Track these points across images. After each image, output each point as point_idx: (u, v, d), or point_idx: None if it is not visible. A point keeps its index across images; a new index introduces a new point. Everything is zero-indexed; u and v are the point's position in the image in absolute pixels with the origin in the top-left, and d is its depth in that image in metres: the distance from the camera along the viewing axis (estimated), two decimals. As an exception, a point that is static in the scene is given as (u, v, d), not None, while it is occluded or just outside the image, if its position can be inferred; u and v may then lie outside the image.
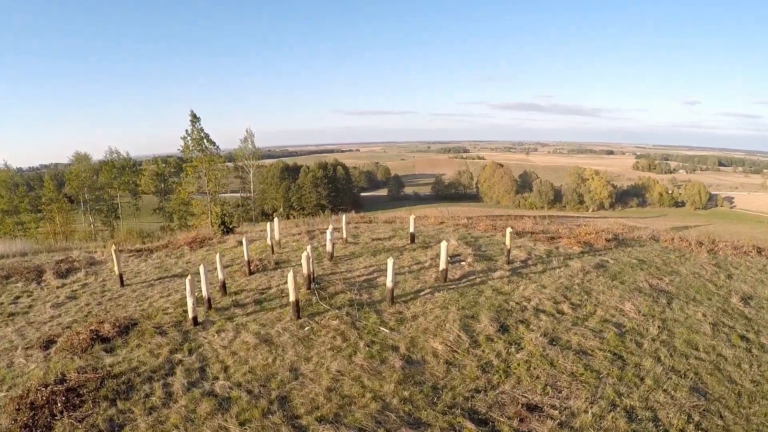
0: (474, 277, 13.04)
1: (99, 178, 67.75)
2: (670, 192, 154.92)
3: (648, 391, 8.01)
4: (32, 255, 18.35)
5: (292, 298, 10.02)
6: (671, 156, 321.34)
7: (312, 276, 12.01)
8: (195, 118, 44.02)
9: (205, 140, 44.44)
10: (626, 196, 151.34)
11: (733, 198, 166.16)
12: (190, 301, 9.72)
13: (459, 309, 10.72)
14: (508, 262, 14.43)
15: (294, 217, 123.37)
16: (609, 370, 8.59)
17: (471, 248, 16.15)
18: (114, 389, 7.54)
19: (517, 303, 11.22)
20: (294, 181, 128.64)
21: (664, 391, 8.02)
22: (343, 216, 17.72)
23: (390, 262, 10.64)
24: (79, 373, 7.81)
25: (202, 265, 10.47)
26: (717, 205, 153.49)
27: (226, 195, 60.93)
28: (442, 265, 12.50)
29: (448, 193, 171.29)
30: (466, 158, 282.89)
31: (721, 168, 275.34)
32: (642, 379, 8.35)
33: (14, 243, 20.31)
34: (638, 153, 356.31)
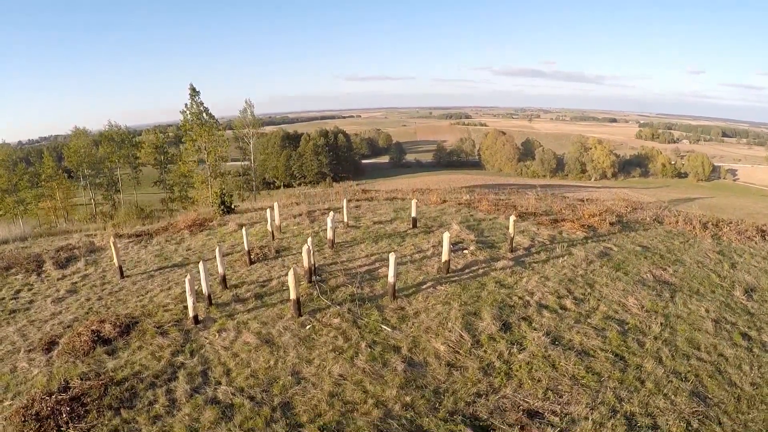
0: (477, 267, 12.95)
1: (98, 150, 66.99)
2: (673, 163, 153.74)
3: (648, 395, 8.03)
4: (32, 240, 18.26)
5: (293, 296, 9.96)
6: (675, 125, 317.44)
7: (313, 269, 11.93)
8: (194, 92, 43.10)
9: (204, 113, 43.65)
10: (629, 166, 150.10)
11: (736, 170, 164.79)
12: (190, 301, 9.67)
13: (461, 305, 10.67)
14: (511, 250, 14.31)
15: (295, 185, 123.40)
16: (610, 372, 8.61)
17: (473, 234, 16.00)
18: (117, 397, 7.58)
19: (519, 297, 11.17)
20: (295, 149, 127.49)
21: (665, 395, 8.05)
22: (344, 200, 17.49)
23: (392, 258, 10.51)
24: (82, 379, 7.84)
25: (201, 263, 10.36)
26: (720, 177, 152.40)
27: (227, 164, 60.36)
28: (445, 257, 12.39)
29: (449, 160, 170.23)
30: (468, 125, 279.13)
31: (725, 139, 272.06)
32: (643, 383, 8.36)
33: (14, 227, 20.16)
34: (642, 121, 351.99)
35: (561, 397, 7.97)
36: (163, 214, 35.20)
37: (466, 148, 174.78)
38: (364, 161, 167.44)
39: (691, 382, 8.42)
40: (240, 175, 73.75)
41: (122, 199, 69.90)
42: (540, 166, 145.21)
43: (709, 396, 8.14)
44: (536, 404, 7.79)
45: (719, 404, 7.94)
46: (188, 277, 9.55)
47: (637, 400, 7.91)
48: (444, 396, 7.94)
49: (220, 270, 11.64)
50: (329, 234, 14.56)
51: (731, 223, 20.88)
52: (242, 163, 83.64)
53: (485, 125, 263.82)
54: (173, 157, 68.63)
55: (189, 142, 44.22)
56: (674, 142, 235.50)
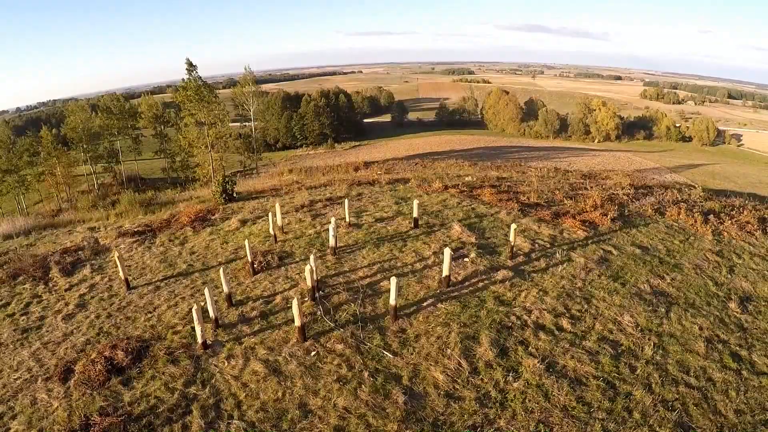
0: (476, 279, 13.20)
1: (96, 120, 66.14)
2: (678, 126, 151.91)
3: (635, 427, 8.44)
4: (36, 234, 18.49)
5: (297, 323, 10.28)
6: (680, 85, 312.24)
7: (316, 286, 12.20)
8: (191, 67, 42.13)
9: (203, 88, 42.81)
10: (633, 128, 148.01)
11: (741, 136, 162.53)
12: (198, 329, 10.01)
13: (460, 327, 10.99)
14: (512, 257, 14.52)
15: (297, 147, 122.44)
16: (600, 402, 9.01)
17: (474, 235, 16.15)
18: (136, 435, 8.05)
19: (517, 317, 11.47)
20: (296, 110, 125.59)
21: (650, 426, 8.45)
22: (346, 200, 17.51)
23: (393, 282, 10.73)
24: (101, 415, 8.28)
25: (207, 289, 10.61)
26: (724, 143, 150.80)
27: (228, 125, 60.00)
28: (445, 272, 12.60)
29: (452, 119, 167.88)
30: (470, 81, 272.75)
31: (731, 101, 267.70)
32: (630, 413, 8.77)
33: (18, 220, 20.35)
34: (647, 79, 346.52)
35: (551, 430, 8.40)
36: (165, 192, 35.26)
37: (468, 107, 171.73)
38: (366, 120, 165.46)
39: (677, 412, 8.82)
40: (240, 138, 73.53)
41: (123, 169, 69.75)
42: (543, 127, 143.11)
43: (693, 426, 8.55)
44: (528, 439, 8.25)
45: (702, 436, 8.39)
46: (195, 306, 9.83)
47: (623, 433, 8.34)
48: (442, 429, 8.39)
49: (226, 289, 11.92)
50: (331, 241, 14.75)
51: (733, 210, 20.96)
52: (243, 124, 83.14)
53: (488, 82, 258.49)
54: (174, 122, 67.75)
55: (188, 117, 43.66)
56: (679, 102, 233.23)
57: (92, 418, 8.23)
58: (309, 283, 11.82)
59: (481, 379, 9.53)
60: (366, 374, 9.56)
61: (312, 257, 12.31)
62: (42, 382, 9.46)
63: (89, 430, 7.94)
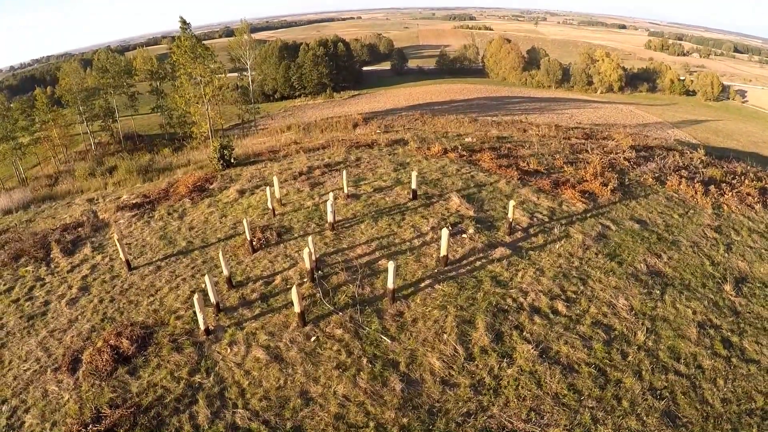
0: (474, 257, 13.28)
1: (90, 80, 64.12)
2: (682, 79, 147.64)
3: (622, 416, 8.80)
4: (35, 208, 18.37)
5: (297, 309, 10.45)
6: (686, 36, 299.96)
7: (314, 266, 12.29)
8: (185, 24, 40.28)
9: (198, 47, 41.04)
10: (636, 80, 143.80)
11: (746, 92, 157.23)
12: (200, 316, 10.19)
13: (457, 310, 11.17)
14: (510, 233, 14.54)
15: (295, 97, 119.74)
16: (591, 390, 9.32)
17: (473, 208, 16.08)
18: (147, 426, 8.39)
19: (513, 299, 11.63)
20: (294, 60, 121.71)
21: (637, 416, 8.81)
22: (344, 171, 17.26)
23: (391, 266, 10.79)
24: (111, 407, 8.60)
25: (207, 276, 10.67)
26: (729, 98, 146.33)
27: (224, 76, 58.78)
28: (443, 252, 12.66)
29: (453, 67, 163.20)
30: (472, 28, 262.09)
31: (737, 55, 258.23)
32: (619, 401, 9.10)
33: (15, 193, 20.19)
34: (652, 29, 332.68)
35: (542, 418, 8.76)
36: (163, 152, 34.75)
37: (470, 55, 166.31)
38: (365, 68, 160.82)
39: (665, 401, 9.13)
40: (238, 88, 71.98)
41: (120, 127, 68.44)
42: (545, 77, 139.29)
43: (680, 415, 8.91)
44: (519, 426, 8.60)
45: (687, 425, 8.75)
46: (196, 295, 9.96)
47: (611, 422, 8.69)
48: (437, 417, 8.75)
49: (225, 272, 12.01)
50: (329, 217, 14.71)
51: (735, 178, 20.76)
52: (240, 76, 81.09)
53: (490, 29, 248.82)
54: (170, 77, 65.75)
55: (183, 76, 42.21)
56: (684, 55, 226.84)
57: (103, 411, 8.55)
58: (308, 264, 11.90)
59: (476, 366, 9.81)
60: (365, 361, 9.84)
61: (310, 239, 12.32)
62: (51, 373, 9.75)
63: (101, 423, 8.27)
